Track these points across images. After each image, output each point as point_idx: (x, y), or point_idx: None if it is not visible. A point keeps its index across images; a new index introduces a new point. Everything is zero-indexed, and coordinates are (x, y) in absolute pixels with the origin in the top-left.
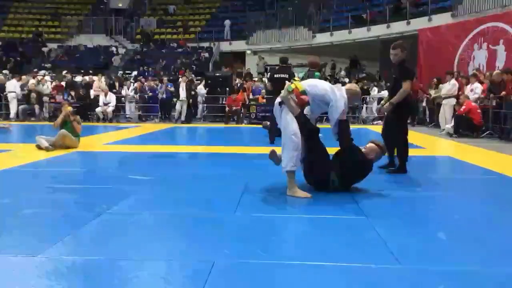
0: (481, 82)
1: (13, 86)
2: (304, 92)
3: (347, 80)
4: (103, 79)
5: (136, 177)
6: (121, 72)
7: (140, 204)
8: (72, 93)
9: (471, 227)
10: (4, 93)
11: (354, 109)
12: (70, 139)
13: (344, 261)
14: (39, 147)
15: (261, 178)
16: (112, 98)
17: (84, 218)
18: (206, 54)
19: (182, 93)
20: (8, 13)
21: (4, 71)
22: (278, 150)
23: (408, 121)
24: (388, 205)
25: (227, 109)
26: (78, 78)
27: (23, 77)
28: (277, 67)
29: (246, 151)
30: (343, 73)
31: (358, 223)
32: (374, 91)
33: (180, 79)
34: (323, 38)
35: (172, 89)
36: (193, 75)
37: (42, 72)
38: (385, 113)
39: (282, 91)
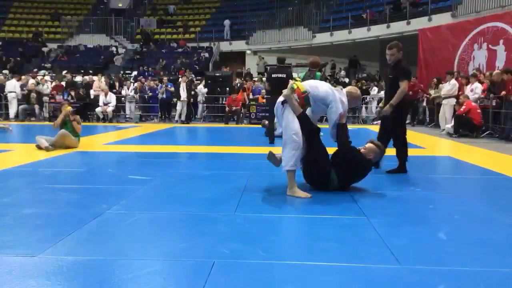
0: (481, 82)
1: (12, 86)
2: (305, 93)
3: (347, 80)
4: (103, 79)
5: (136, 177)
6: (121, 72)
7: (140, 204)
8: (72, 93)
9: (471, 227)
10: (4, 93)
11: (354, 109)
12: (70, 139)
13: (344, 261)
14: (39, 147)
15: (261, 178)
16: (112, 98)
17: (84, 218)
18: (206, 54)
19: (183, 94)
20: (8, 13)
21: (4, 71)
22: (277, 150)
23: (408, 121)
24: (388, 205)
25: (227, 109)
26: (78, 78)
27: (23, 77)
28: (274, 67)
29: (246, 151)
30: (343, 73)
31: (358, 223)
32: (374, 91)
33: (180, 79)
34: (323, 38)
35: (172, 89)
36: (193, 75)
37: (42, 72)
38: (382, 116)
39: (285, 90)
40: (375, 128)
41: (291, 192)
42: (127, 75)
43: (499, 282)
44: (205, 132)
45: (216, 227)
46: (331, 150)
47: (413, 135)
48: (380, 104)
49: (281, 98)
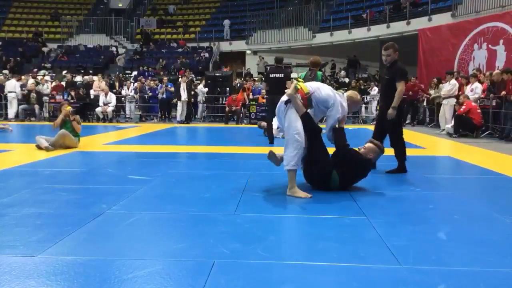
0: (481, 82)
1: (12, 86)
2: (308, 94)
3: (347, 80)
4: (103, 83)
5: (136, 177)
6: (118, 72)
7: (140, 204)
8: (72, 93)
9: (471, 227)
10: (4, 93)
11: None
12: (70, 139)
13: (344, 261)
14: (39, 147)
15: (261, 178)
16: (112, 98)
17: (84, 218)
18: (206, 54)
19: (183, 94)
20: (8, 13)
21: (4, 71)
22: (277, 150)
23: (408, 121)
24: (388, 205)
25: (227, 109)
26: (78, 78)
27: (23, 77)
28: (273, 67)
29: (246, 151)
30: (343, 73)
31: (358, 223)
32: (374, 91)
33: (180, 79)
34: (323, 38)
35: (172, 89)
36: (193, 75)
37: (42, 72)
38: (377, 115)
39: (288, 90)
40: None
41: (291, 192)
42: (127, 75)
43: (499, 282)
44: (205, 132)
45: (216, 227)
46: (330, 150)
47: (413, 135)
48: (378, 108)
49: (284, 98)
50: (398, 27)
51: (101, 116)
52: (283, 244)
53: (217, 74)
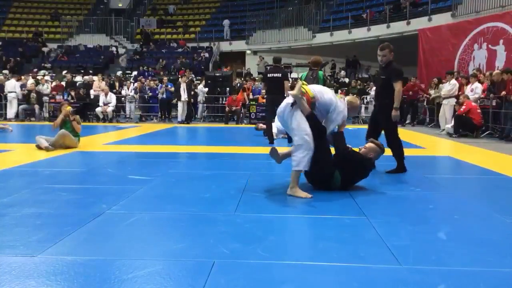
0: (481, 82)
1: (12, 86)
2: (313, 98)
3: (347, 80)
4: (103, 83)
5: (136, 177)
6: (121, 72)
7: (140, 204)
8: (72, 93)
9: (471, 227)
10: (4, 93)
11: None
12: (70, 139)
13: (344, 261)
14: (39, 147)
15: (261, 178)
16: (112, 98)
17: (84, 218)
18: (206, 54)
19: (184, 94)
20: (8, 13)
21: (4, 71)
22: (278, 149)
23: (408, 121)
24: (388, 205)
25: (227, 109)
26: (78, 78)
27: (23, 77)
28: (271, 67)
29: (246, 151)
30: (343, 73)
31: (358, 223)
32: (374, 91)
33: (180, 79)
34: (323, 38)
35: (172, 89)
36: (193, 75)
37: (42, 72)
38: (371, 115)
39: (292, 91)
40: None
41: (292, 191)
42: (127, 75)
43: (499, 282)
44: (205, 132)
45: (216, 227)
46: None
47: (413, 135)
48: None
49: (290, 100)
50: (398, 27)
51: (101, 116)
52: (283, 244)
53: (217, 74)
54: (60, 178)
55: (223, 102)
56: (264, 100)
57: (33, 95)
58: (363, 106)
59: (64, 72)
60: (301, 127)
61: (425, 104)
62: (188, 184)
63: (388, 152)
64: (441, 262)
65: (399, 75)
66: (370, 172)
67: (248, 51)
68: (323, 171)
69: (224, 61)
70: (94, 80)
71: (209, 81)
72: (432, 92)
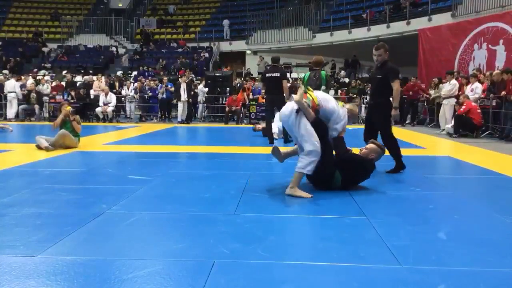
0: (481, 82)
1: (12, 86)
2: (318, 106)
3: (347, 80)
4: (103, 79)
5: (136, 177)
6: (121, 72)
7: (140, 204)
8: (72, 93)
9: (471, 227)
10: (4, 93)
11: None
12: (70, 139)
13: (344, 261)
14: (39, 147)
15: (261, 178)
16: (112, 98)
17: (84, 218)
18: (206, 54)
19: (184, 94)
20: (8, 13)
21: (4, 71)
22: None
23: (408, 121)
24: (388, 205)
25: (227, 109)
26: (78, 78)
27: (23, 77)
28: (270, 67)
29: (246, 151)
30: (343, 73)
31: (358, 223)
32: None
33: (180, 79)
34: (323, 38)
35: (172, 89)
36: (193, 75)
37: (42, 72)
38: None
39: (295, 95)
40: None
41: (291, 191)
42: (127, 75)
43: (499, 282)
44: (205, 132)
45: (216, 227)
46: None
47: (413, 135)
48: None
49: (295, 106)
50: (398, 27)
51: (101, 116)
52: (283, 244)
53: (217, 74)
54: (60, 178)
55: (223, 102)
56: (264, 100)
57: (33, 95)
58: (363, 106)
59: (64, 72)
60: (311, 133)
61: (425, 104)
62: (188, 184)
63: (387, 152)
64: (441, 262)
65: (397, 74)
66: (371, 173)
67: (248, 51)
68: (325, 171)
69: (224, 61)
70: (94, 80)
71: (209, 81)
72: (432, 92)
